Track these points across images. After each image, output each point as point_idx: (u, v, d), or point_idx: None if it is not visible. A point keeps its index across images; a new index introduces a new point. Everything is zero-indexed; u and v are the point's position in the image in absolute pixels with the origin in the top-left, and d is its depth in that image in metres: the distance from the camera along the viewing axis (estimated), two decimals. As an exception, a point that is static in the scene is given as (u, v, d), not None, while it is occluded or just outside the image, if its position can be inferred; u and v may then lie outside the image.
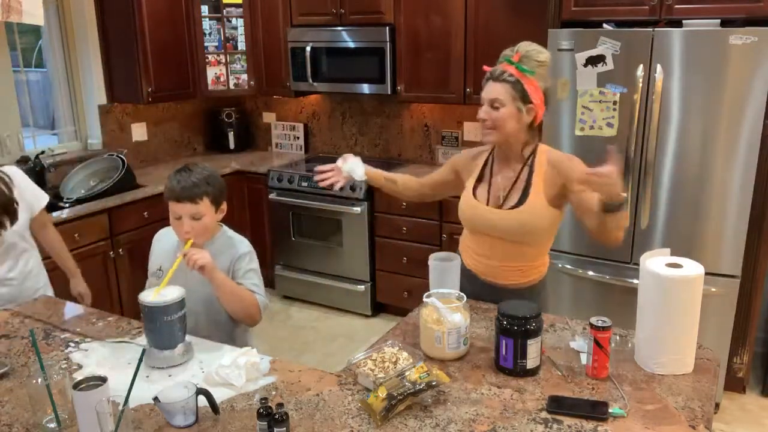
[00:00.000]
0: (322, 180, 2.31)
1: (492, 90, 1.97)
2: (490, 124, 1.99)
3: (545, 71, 1.98)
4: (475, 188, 2.13)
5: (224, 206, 2.11)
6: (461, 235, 2.26)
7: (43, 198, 2.49)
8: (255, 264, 2.12)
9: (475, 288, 2.14)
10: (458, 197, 2.19)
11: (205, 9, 4.40)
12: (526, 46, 1.97)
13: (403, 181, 2.40)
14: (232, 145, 4.94)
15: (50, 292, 2.52)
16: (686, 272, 1.66)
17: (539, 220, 2.01)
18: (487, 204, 2.08)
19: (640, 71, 2.93)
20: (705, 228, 2.97)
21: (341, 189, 2.35)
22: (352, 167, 2.29)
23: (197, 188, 1.99)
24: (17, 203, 2.29)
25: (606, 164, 1.73)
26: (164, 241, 2.20)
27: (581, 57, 3.02)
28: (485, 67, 2.03)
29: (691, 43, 2.82)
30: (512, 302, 1.75)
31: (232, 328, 2.13)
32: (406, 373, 1.58)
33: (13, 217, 2.27)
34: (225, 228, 2.18)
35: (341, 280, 4.26)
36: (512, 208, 2.02)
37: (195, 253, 1.88)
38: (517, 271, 2.10)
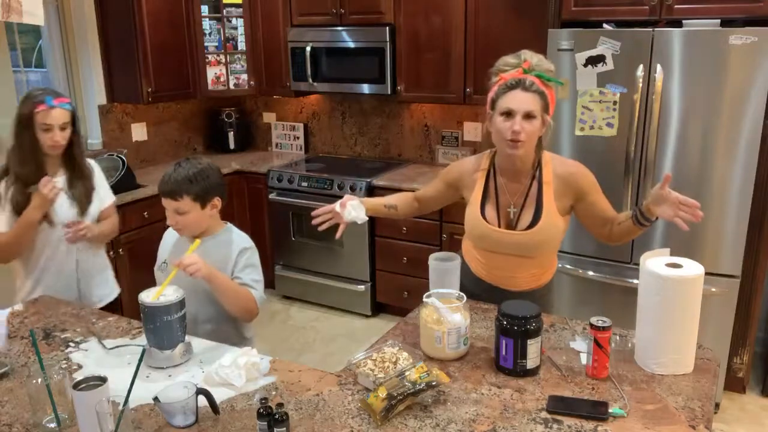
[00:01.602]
0: (321, 224, 2.20)
1: (524, 100, 1.86)
2: (525, 137, 1.87)
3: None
4: (482, 207, 2.05)
5: (216, 201, 2.10)
6: (465, 244, 2.23)
7: (111, 197, 2.63)
8: (255, 260, 2.13)
9: (482, 291, 2.13)
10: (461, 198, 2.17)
11: (205, 9, 4.40)
12: (531, 56, 1.92)
13: (402, 203, 2.31)
14: (232, 145, 4.94)
15: (115, 286, 2.69)
16: (686, 272, 1.66)
17: (554, 234, 2.01)
18: (499, 225, 2.03)
19: (640, 71, 2.93)
20: (705, 228, 2.97)
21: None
22: (355, 216, 2.17)
23: (176, 186, 2.01)
24: (95, 190, 2.52)
25: (665, 187, 1.80)
26: (169, 236, 2.24)
27: (581, 57, 3.02)
28: (503, 76, 1.91)
29: (691, 43, 2.82)
30: (512, 302, 1.75)
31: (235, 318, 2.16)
32: (406, 373, 1.58)
33: (91, 203, 2.49)
34: (230, 225, 2.19)
35: (341, 280, 4.26)
36: (527, 228, 1.99)
37: (190, 264, 1.88)
38: (531, 278, 2.11)
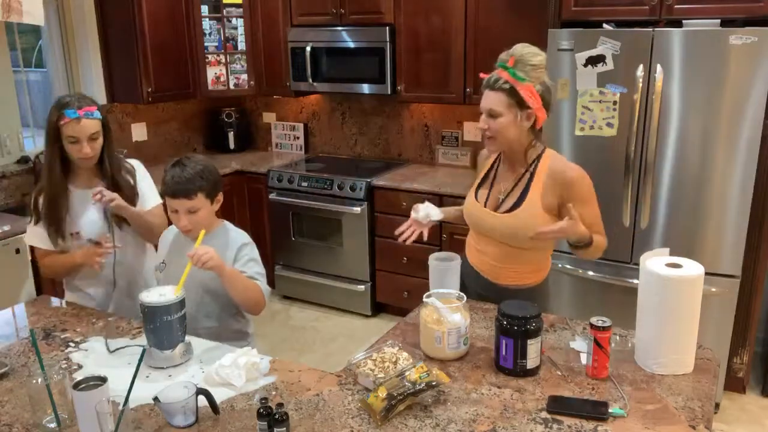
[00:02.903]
0: (407, 238, 2.19)
1: (488, 99, 1.97)
2: (490, 134, 1.99)
3: (542, 74, 1.95)
4: (478, 188, 2.14)
5: (220, 197, 2.11)
6: (468, 236, 2.27)
7: (155, 199, 2.40)
8: (255, 254, 2.14)
9: (477, 285, 2.16)
10: (461, 197, 2.19)
11: (205, 9, 4.40)
12: (521, 50, 1.95)
13: None
14: (232, 145, 4.94)
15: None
16: (686, 272, 1.66)
17: (532, 226, 1.96)
18: (485, 205, 2.09)
19: (640, 71, 2.93)
20: (705, 228, 2.97)
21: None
22: (428, 212, 2.19)
23: (191, 184, 1.99)
24: (137, 194, 2.32)
25: (562, 221, 1.89)
26: (166, 237, 2.23)
27: (581, 57, 3.02)
28: (482, 74, 2.02)
29: (691, 43, 2.82)
30: (512, 302, 1.76)
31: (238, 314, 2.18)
32: (406, 373, 1.58)
33: (133, 205, 2.29)
34: (226, 223, 2.19)
35: (341, 280, 4.26)
36: (507, 211, 2.03)
37: (203, 253, 1.88)
38: (512, 272, 2.11)
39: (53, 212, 2.22)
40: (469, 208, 2.15)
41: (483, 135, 2.03)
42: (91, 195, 2.18)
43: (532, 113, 1.95)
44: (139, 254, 2.42)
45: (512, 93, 1.92)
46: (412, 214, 2.22)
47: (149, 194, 2.38)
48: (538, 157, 2.03)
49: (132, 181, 2.32)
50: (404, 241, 2.19)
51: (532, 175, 2.02)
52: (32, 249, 3.14)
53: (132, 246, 2.37)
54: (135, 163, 2.40)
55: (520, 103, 1.93)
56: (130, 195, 2.29)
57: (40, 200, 2.24)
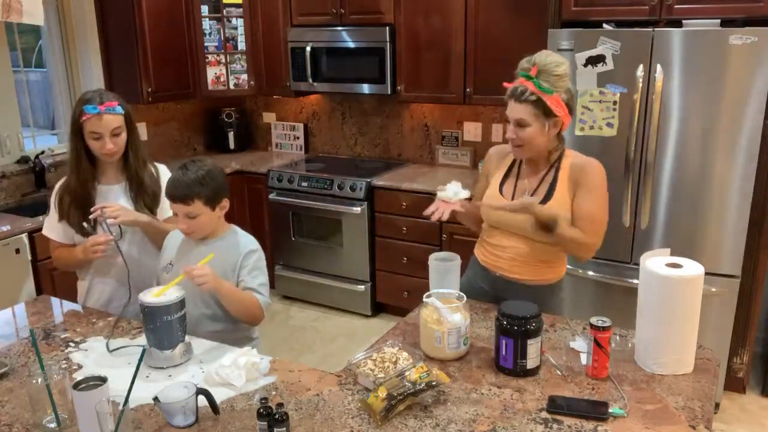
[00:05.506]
0: (438, 217, 2.08)
1: (516, 110, 1.99)
2: (519, 142, 2.02)
3: (566, 82, 1.99)
4: (501, 185, 2.15)
5: (225, 203, 2.09)
6: (477, 242, 2.26)
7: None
8: (262, 263, 2.12)
9: (487, 283, 2.16)
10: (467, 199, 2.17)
11: (205, 9, 4.40)
12: (543, 59, 1.97)
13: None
14: (232, 145, 4.94)
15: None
16: (686, 272, 1.66)
17: (561, 216, 2.01)
18: (512, 200, 2.10)
19: (640, 71, 2.93)
20: (705, 228, 2.97)
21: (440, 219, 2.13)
22: (456, 189, 2.11)
23: (188, 190, 1.98)
24: (159, 200, 2.29)
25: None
26: (174, 237, 2.21)
27: (581, 57, 3.02)
28: (506, 84, 2.03)
29: (691, 43, 2.82)
30: (512, 302, 1.76)
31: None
32: (406, 373, 1.58)
33: (157, 207, 2.28)
34: (235, 227, 2.18)
35: (341, 280, 4.26)
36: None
37: (199, 275, 1.87)
38: (534, 268, 2.11)
39: (81, 209, 2.18)
40: (494, 204, 2.13)
41: (511, 143, 2.05)
42: (116, 191, 2.19)
43: (558, 120, 1.99)
44: (155, 259, 2.32)
45: (539, 104, 1.95)
46: (439, 194, 2.11)
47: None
48: (560, 156, 2.07)
49: (154, 184, 2.28)
50: (438, 219, 2.08)
51: (557, 172, 2.06)
52: (33, 245, 3.17)
53: (146, 253, 2.29)
54: (161, 168, 2.35)
55: (546, 113, 1.97)
56: (153, 197, 2.25)
57: (65, 196, 2.21)
